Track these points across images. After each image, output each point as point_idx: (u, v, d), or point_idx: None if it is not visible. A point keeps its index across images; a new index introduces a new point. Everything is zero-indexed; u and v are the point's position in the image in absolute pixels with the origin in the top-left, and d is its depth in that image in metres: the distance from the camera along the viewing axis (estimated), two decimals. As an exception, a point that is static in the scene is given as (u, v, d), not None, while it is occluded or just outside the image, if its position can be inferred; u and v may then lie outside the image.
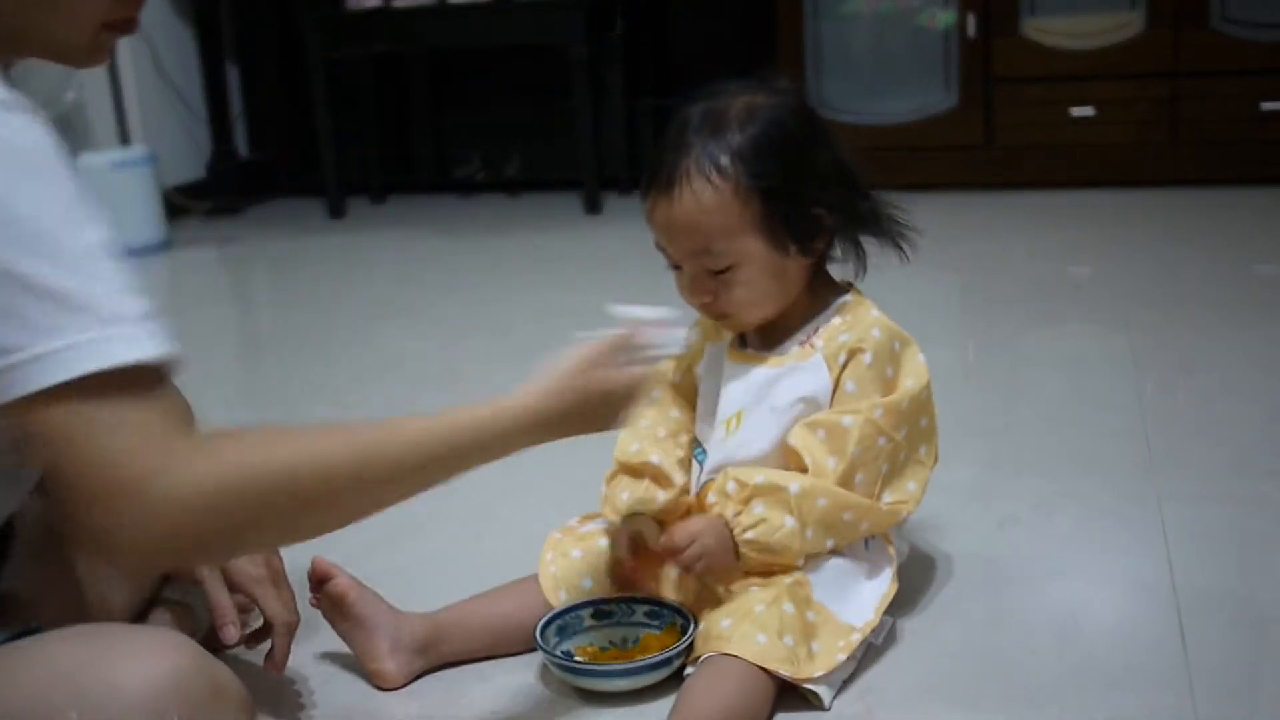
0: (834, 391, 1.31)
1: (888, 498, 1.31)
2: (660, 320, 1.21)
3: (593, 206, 4.11)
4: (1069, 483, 1.77)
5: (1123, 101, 3.87)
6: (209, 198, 4.55)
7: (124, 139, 4.02)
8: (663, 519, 1.34)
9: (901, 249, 1.38)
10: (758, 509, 1.25)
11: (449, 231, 4.13)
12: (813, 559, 1.28)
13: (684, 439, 1.41)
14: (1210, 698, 1.21)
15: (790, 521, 1.24)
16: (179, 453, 0.86)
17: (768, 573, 1.26)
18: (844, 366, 1.31)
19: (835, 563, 1.29)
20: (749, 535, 1.25)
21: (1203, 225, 3.46)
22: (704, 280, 1.30)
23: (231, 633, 1.22)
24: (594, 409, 1.15)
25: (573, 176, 4.23)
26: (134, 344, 0.84)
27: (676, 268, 1.32)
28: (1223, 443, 1.87)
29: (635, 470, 1.37)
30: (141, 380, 0.85)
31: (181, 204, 4.37)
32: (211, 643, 1.35)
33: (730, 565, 1.26)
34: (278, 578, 1.26)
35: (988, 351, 2.57)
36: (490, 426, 1.07)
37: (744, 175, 1.26)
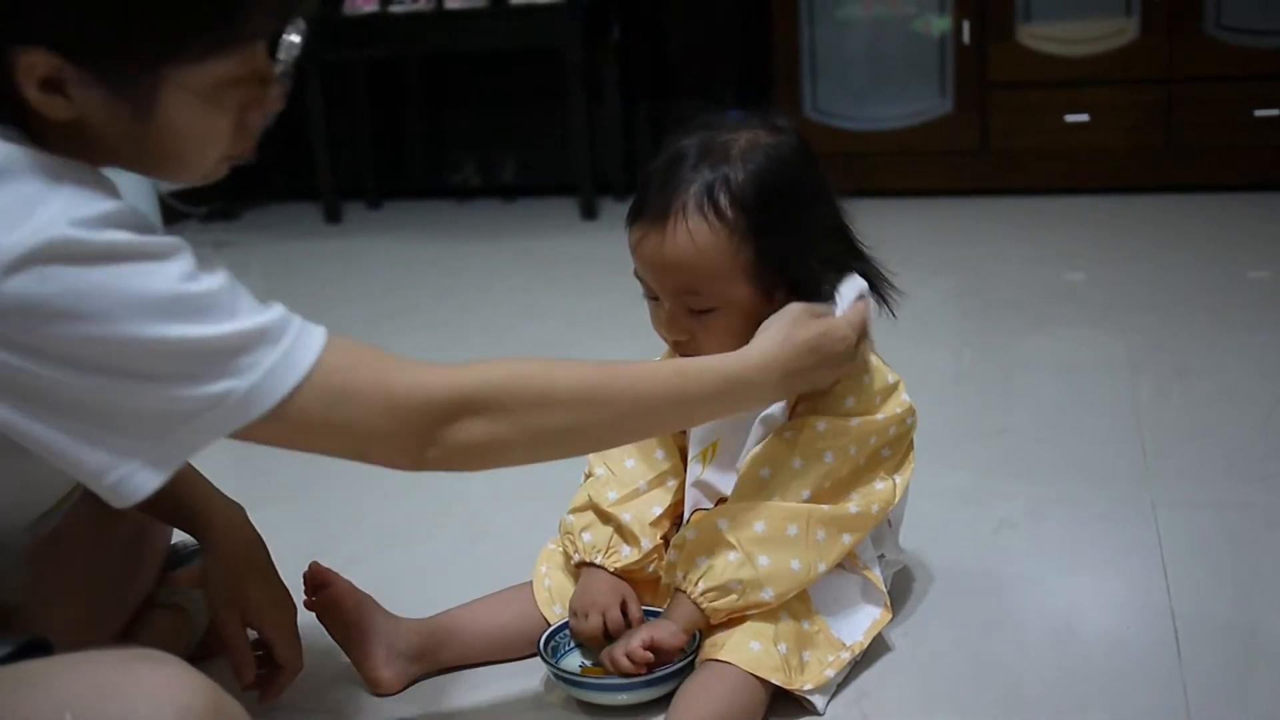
0: (790, 414, 1.28)
1: (828, 506, 1.25)
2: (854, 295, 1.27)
3: (588, 211, 4.12)
4: (1064, 488, 1.77)
5: (1117, 107, 3.88)
6: (205, 202, 4.55)
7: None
8: (624, 574, 1.33)
9: (887, 305, 1.32)
10: (701, 561, 1.22)
11: (444, 236, 4.13)
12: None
13: (672, 484, 1.37)
14: (1204, 702, 1.21)
15: (734, 555, 1.21)
16: (426, 367, 1.00)
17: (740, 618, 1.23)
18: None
19: (832, 571, 1.28)
20: (701, 587, 1.21)
21: (1197, 230, 3.47)
22: (683, 319, 1.26)
23: (248, 674, 1.23)
24: (823, 347, 1.21)
25: (568, 181, 4.24)
26: (308, 337, 0.96)
27: (654, 299, 1.28)
28: (1217, 447, 1.88)
29: (604, 516, 1.35)
30: (336, 351, 0.96)
31: (178, 208, 4.37)
32: (206, 649, 1.36)
33: (701, 625, 1.24)
34: (292, 622, 1.26)
35: (983, 356, 2.58)
36: (736, 374, 1.16)
37: (743, 219, 1.21)
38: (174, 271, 0.91)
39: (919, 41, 4.02)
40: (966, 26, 3.94)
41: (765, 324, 1.22)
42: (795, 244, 1.25)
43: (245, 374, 0.92)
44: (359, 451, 0.99)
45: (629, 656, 1.21)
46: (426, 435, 0.99)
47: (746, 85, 4.33)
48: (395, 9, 4.16)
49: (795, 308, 1.22)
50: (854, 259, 1.31)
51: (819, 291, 1.29)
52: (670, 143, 1.27)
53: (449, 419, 0.99)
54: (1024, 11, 3.92)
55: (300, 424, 0.95)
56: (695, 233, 1.21)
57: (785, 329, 1.20)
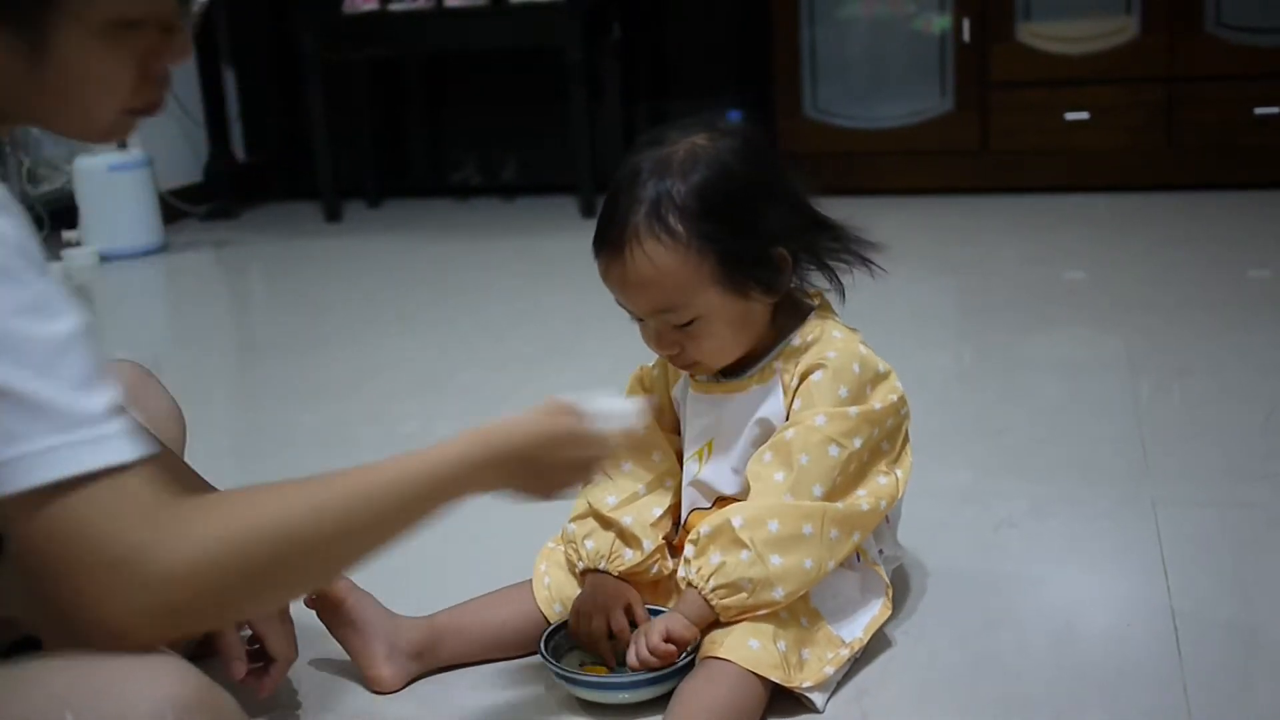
0: (788, 413, 1.28)
1: (842, 504, 1.25)
2: (626, 415, 1.15)
3: (588, 210, 4.12)
4: (1064, 487, 1.77)
5: (1118, 106, 3.88)
6: (205, 201, 4.56)
7: (120, 142, 4.02)
8: (628, 577, 1.33)
9: (871, 269, 1.32)
10: (715, 558, 1.22)
11: (444, 235, 4.13)
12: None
13: (671, 485, 1.37)
14: (1205, 702, 1.21)
15: (746, 554, 1.20)
16: (162, 527, 0.85)
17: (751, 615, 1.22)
18: (796, 388, 1.28)
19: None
20: (712, 584, 1.21)
21: (1197, 229, 3.47)
22: (668, 334, 1.27)
23: (239, 669, 1.22)
24: (547, 464, 1.09)
25: (568, 180, 4.24)
26: (98, 450, 0.82)
27: (640, 319, 1.29)
28: (1218, 446, 1.88)
29: (605, 522, 1.35)
30: (124, 482, 0.83)
31: (178, 207, 4.37)
32: (205, 648, 1.35)
33: (710, 620, 1.23)
34: (283, 613, 1.26)
35: (983, 355, 2.57)
36: (453, 464, 1.02)
37: (694, 231, 1.21)
38: (12, 299, 0.81)
39: (919, 40, 4.02)
40: (967, 25, 3.94)
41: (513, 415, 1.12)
42: (755, 243, 1.24)
43: (10, 443, 0.80)
44: (71, 592, 0.85)
45: (652, 651, 1.21)
46: (147, 609, 0.86)
47: (747, 85, 4.33)
48: (395, 8, 4.15)
49: (551, 400, 1.13)
50: (829, 239, 1.31)
51: (798, 282, 1.30)
52: (621, 165, 1.27)
53: (178, 605, 0.86)
54: (1024, 10, 3.92)
55: (35, 528, 0.82)
56: (652, 255, 1.22)
57: (529, 418, 1.09)
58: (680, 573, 1.27)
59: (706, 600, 1.22)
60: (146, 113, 0.97)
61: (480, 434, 1.05)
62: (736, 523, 1.22)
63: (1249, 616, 1.38)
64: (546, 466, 1.09)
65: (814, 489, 1.23)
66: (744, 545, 1.21)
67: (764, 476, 1.25)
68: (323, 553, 0.95)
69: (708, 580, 1.22)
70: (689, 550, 1.26)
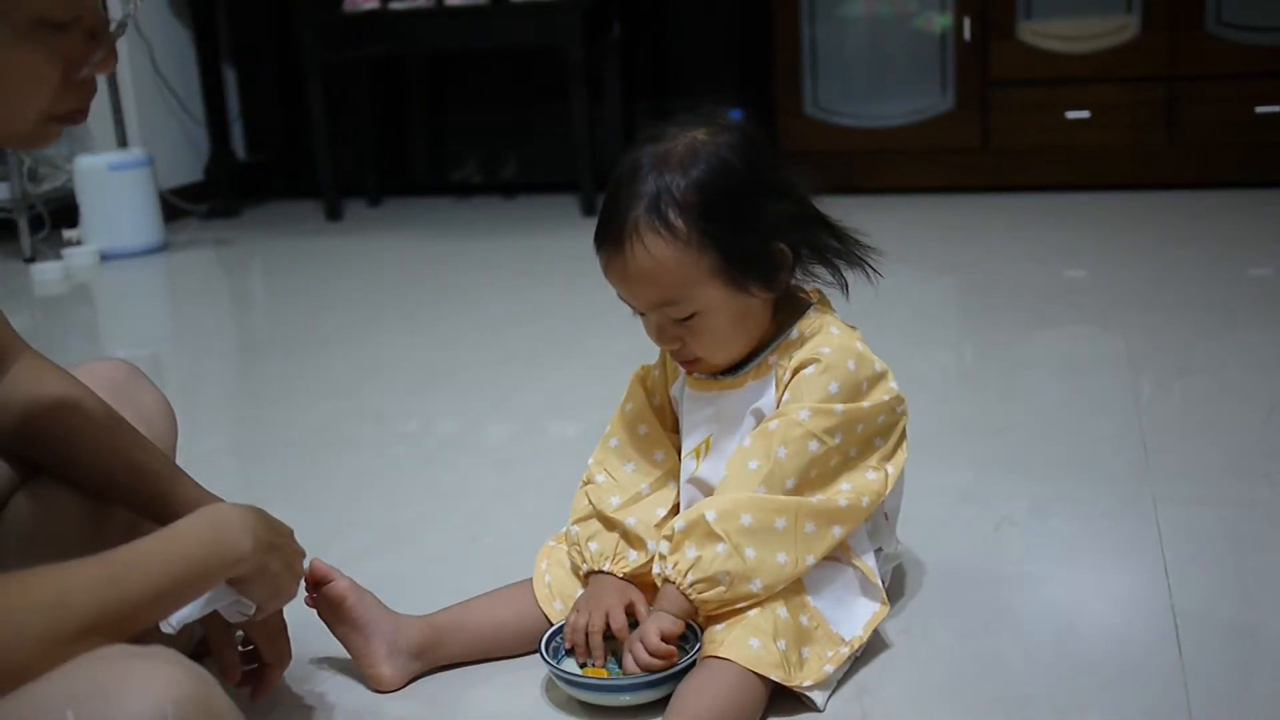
0: (778, 405, 1.28)
1: (818, 498, 1.25)
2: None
3: (589, 208, 4.12)
4: (1065, 485, 1.77)
5: (1118, 105, 3.88)
6: (206, 200, 4.56)
7: (121, 141, 4.02)
8: (633, 578, 1.33)
9: (869, 271, 1.32)
10: (690, 552, 1.22)
11: (445, 234, 4.13)
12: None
13: (674, 484, 1.37)
14: (1205, 701, 1.21)
15: (722, 547, 1.21)
16: None
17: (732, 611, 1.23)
18: (789, 382, 1.28)
19: (829, 565, 1.29)
20: (689, 579, 1.22)
21: (1198, 228, 3.47)
22: (669, 328, 1.27)
23: (234, 673, 1.22)
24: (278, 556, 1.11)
25: (569, 179, 4.24)
26: None
27: (642, 314, 1.29)
28: (1219, 445, 1.88)
29: (609, 523, 1.35)
30: None
31: (178, 205, 4.37)
32: (205, 648, 1.35)
33: (691, 614, 1.24)
34: (277, 617, 1.24)
35: (984, 354, 2.57)
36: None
37: (694, 226, 1.22)
38: None
39: (920, 39, 4.02)
40: (967, 24, 3.93)
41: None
42: (755, 237, 1.25)
43: None
44: None
45: (654, 654, 1.21)
46: None
47: (747, 83, 4.33)
48: (395, 7, 4.15)
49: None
50: (830, 236, 1.31)
51: (791, 272, 1.30)
52: (621, 160, 1.28)
53: None
54: (1025, 9, 3.92)
55: None
56: (653, 249, 1.22)
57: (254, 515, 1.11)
58: (655, 569, 1.28)
59: (685, 595, 1.22)
60: (70, 120, 0.96)
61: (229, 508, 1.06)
62: (710, 516, 1.22)
63: (1250, 615, 1.38)
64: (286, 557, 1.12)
65: (787, 483, 1.24)
66: (719, 538, 1.21)
67: (739, 462, 1.26)
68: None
69: (685, 575, 1.22)
70: (664, 546, 1.26)
